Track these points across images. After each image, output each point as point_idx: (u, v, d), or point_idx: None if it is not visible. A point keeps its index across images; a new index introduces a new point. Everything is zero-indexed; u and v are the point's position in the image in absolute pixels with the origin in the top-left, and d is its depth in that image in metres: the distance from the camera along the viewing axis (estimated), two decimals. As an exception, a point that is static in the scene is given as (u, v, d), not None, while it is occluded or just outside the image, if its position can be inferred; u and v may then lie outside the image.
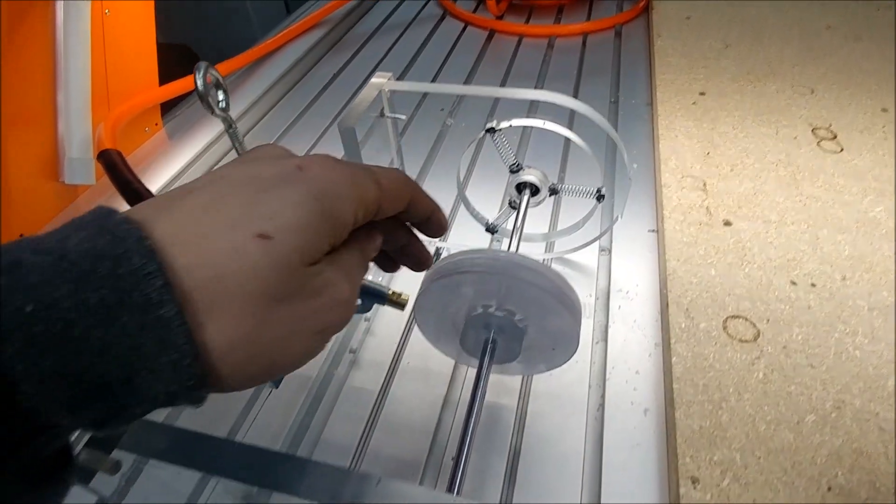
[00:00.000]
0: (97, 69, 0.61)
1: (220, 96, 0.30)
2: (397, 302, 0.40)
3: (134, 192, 0.41)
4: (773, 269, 0.52)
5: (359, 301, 0.42)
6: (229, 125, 0.30)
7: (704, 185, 0.62)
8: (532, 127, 0.75)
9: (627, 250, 0.57)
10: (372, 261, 0.26)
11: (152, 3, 0.67)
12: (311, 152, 0.73)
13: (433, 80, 0.87)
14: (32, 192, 0.55)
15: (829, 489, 0.37)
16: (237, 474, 0.22)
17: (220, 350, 0.16)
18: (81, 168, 0.56)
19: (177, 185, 0.65)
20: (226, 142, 0.72)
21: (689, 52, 0.88)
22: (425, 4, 1.11)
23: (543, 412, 0.44)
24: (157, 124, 0.71)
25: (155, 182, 0.64)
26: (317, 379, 0.46)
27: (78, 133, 0.56)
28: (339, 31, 1.02)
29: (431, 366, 0.47)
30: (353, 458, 0.40)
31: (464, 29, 1.03)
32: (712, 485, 0.37)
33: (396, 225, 0.26)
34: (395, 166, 0.50)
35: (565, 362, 0.38)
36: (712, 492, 0.36)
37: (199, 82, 0.29)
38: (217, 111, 0.30)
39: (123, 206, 0.59)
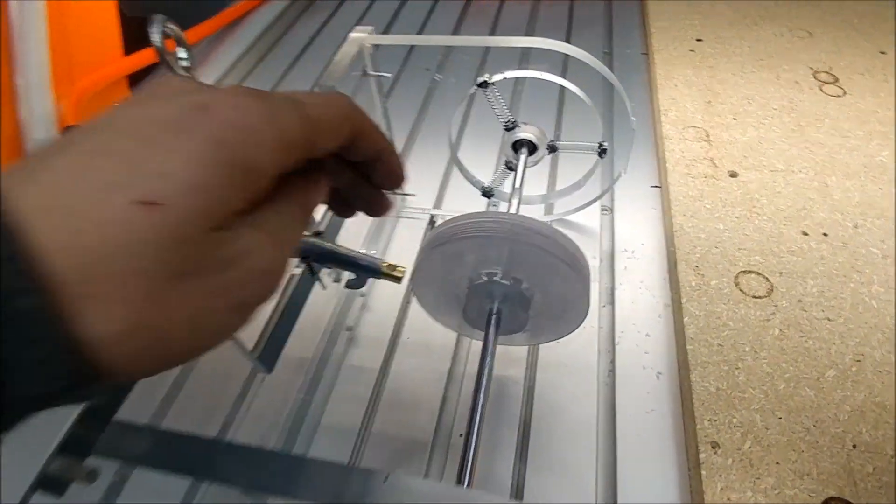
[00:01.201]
0: (57, 44, 0.56)
1: (182, 53, 0.27)
2: (393, 275, 0.37)
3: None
4: (783, 220, 0.50)
5: (352, 276, 0.40)
6: (194, 86, 0.27)
7: (707, 135, 0.59)
8: (524, 82, 0.72)
9: (630, 208, 0.54)
10: (323, 203, 0.22)
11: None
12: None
13: (415, 39, 0.82)
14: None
15: (854, 447, 0.35)
16: (230, 478, 0.20)
17: (106, 341, 0.13)
18: (44, 148, 0.52)
19: None
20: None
21: (681, 1, 0.84)
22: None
23: (552, 381, 0.42)
24: (125, 97, 0.66)
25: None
26: (313, 360, 0.44)
27: (40, 112, 0.51)
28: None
29: (433, 340, 0.45)
30: (356, 443, 0.38)
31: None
32: (733, 448, 0.35)
33: (342, 165, 0.21)
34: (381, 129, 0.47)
35: (574, 330, 0.36)
36: (733, 456, 0.35)
37: (156, 37, 0.25)
38: (178, 70, 0.27)
39: None
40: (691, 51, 0.72)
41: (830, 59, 0.70)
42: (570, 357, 0.43)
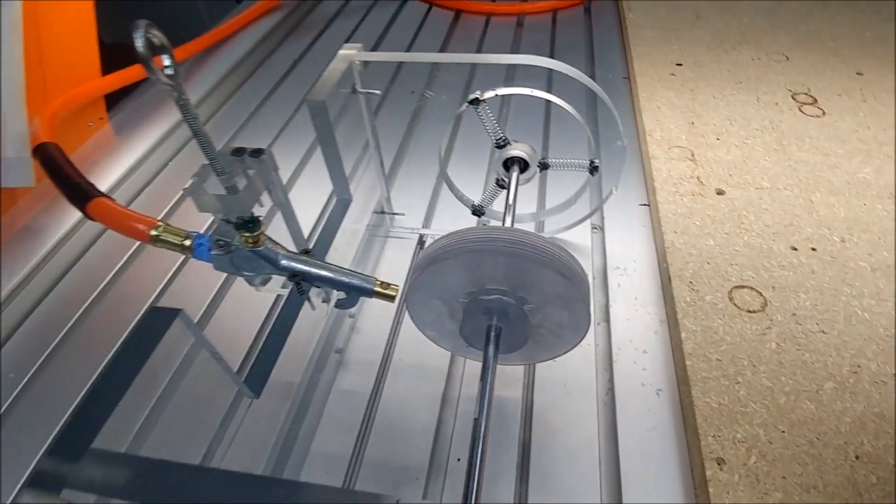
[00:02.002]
0: (31, 63, 0.55)
1: (166, 61, 0.26)
2: (386, 293, 0.36)
3: (76, 187, 0.36)
4: (771, 236, 0.50)
5: (342, 295, 0.38)
6: (179, 94, 0.26)
7: (692, 154, 0.60)
8: (510, 102, 0.72)
9: (620, 226, 0.54)
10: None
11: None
12: (280, 136, 0.68)
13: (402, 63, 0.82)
14: None
15: (857, 458, 0.35)
16: (219, 506, 0.18)
17: None
18: (18, 168, 0.50)
19: (127, 184, 0.60)
20: (180, 135, 0.67)
21: (661, 25, 0.86)
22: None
23: (551, 402, 0.41)
24: (101, 118, 0.65)
25: (103, 181, 0.58)
26: (301, 385, 0.42)
27: (12, 130, 0.50)
28: (297, 15, 0.97)
29: (426, 361, 0.43)
30: (348, 471, 0.37)
31: (429, 10, 0.99)
32: (738, 464, 0.34)
33: None
34: (370, 146, 0.46)
35: (576, 345, 0.35)
36: (739, 472, 0.34)
37: (140, 42, 0.24)
38: (162, 78, 0.26)
39: (67, 208, 0.53)
40: (672, 74, 0.74)
41: (808, 81, 0.72)
42: (567, 376, 0.42)
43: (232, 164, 0.31)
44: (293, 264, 0.35)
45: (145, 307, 0.48)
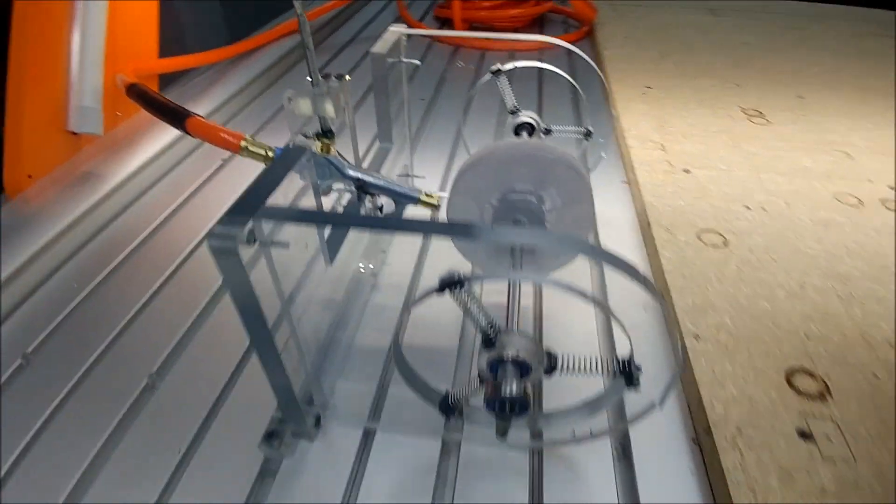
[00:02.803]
0: (109, 30, 0.63)
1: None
2: (430, 203, 0.45)
3: (174, 111, 0.44)
4: (730, 200, 0.61)
5: (388, 212, 0.47)
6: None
7: (663, 146, 0.72)
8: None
9: (605, 197, 0.64)
10: None
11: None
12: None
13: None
14: (40, 136, 0.56)
15: (808, 337, 0.43)
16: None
17: None
18: (91, 117, 0.58)
19: (164, 159, 0.68)
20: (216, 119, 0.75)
21: (633, 60, 1.01)
22: (393, 21, 1.21)
23: (556, 309, 0.48)
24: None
25: (152, 147, 0.66)
26: (342, 302, 0.49)
27: (90, 83, 0.58)
28: (315, 39, 1.09)
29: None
30: (387, 359, 0.43)
31: (429, 46, 1.13)
32: (710, 338, 0.43)
33: None
34: (403, 111, 0.56)
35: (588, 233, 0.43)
36: (711, 342, 0.42)
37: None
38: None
39: (122, 160, 0.61)
40: (643, 93, 0.87)
41: (757, 103, 0.86)
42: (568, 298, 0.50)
43: (321, 82, 0.40)
44: (356, 173, 0.43)
45: (193, 244, 0.55)
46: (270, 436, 0.36)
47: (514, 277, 0.38)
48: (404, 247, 0.56)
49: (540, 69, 0.99)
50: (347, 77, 0.42)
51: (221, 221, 0.25)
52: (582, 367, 0.31)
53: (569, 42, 0.57)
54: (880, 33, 1.20)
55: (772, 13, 1.31)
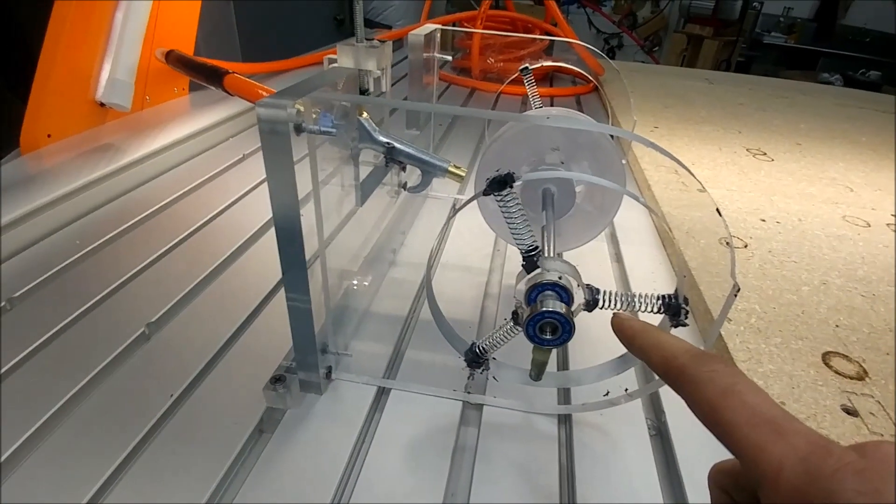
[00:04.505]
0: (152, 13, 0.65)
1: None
2: (456, 173, 0.45)
3: (212, 70, 0.45)
4: (744, 214, 0.62)
5: (413, 185, 0.47)
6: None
7: (676, 171, 0.74)
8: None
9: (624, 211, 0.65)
10: None
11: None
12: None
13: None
14: (66, 99, 0.57)
15: (837, 326, 0.43)
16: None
17: None
18: (122, 90, 0.58)
19: (187, 145, 0.68)
20: (240, 121, 0.76)
21: (638, 109, 1.06)
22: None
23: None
24: (184, 89, 0.75)
25: (175, 133, 0.66)
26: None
27: (127, 58, 0.59)
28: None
29: (469, 263, 0.50)
30: (404, 326, 0.42)
31: (446, 87, 1.18)
32: (742, 321, 0.42)
33: None
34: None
35: (612, 218, 0.43)
36: (744, 326, 0.41)
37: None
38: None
39: (143, 140, 0.61)
40: (651, 131, 0.91)
41: (759, 145, 0.89)
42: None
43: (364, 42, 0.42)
44: (386, 139, 0.44)
45: (203, 220, 0.55)
46: (277, 381, 0.34)
47: (569, 177, 0.38)
48: (422, 230, 0.56)
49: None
50: (388, 41, 0.43)
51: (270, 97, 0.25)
52: (625, 303, 0.30)
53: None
54: (862, 106, 1.28)
55: (762, 85, 1.41)
